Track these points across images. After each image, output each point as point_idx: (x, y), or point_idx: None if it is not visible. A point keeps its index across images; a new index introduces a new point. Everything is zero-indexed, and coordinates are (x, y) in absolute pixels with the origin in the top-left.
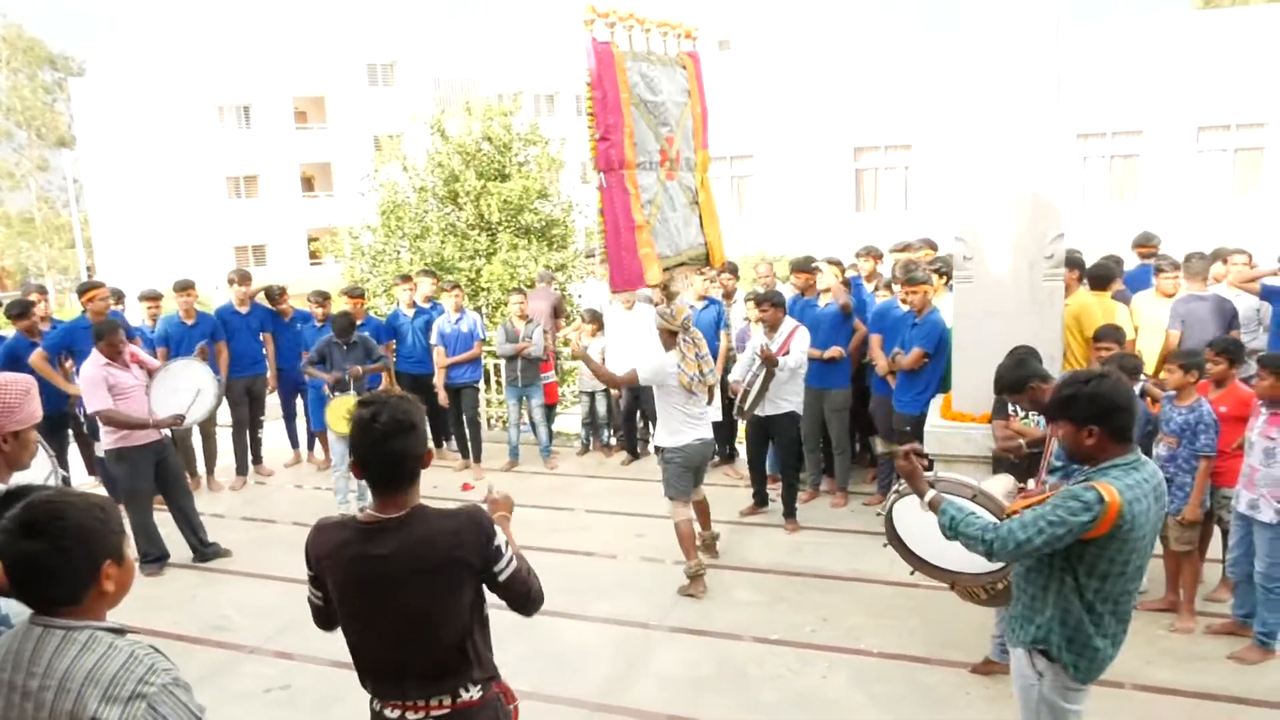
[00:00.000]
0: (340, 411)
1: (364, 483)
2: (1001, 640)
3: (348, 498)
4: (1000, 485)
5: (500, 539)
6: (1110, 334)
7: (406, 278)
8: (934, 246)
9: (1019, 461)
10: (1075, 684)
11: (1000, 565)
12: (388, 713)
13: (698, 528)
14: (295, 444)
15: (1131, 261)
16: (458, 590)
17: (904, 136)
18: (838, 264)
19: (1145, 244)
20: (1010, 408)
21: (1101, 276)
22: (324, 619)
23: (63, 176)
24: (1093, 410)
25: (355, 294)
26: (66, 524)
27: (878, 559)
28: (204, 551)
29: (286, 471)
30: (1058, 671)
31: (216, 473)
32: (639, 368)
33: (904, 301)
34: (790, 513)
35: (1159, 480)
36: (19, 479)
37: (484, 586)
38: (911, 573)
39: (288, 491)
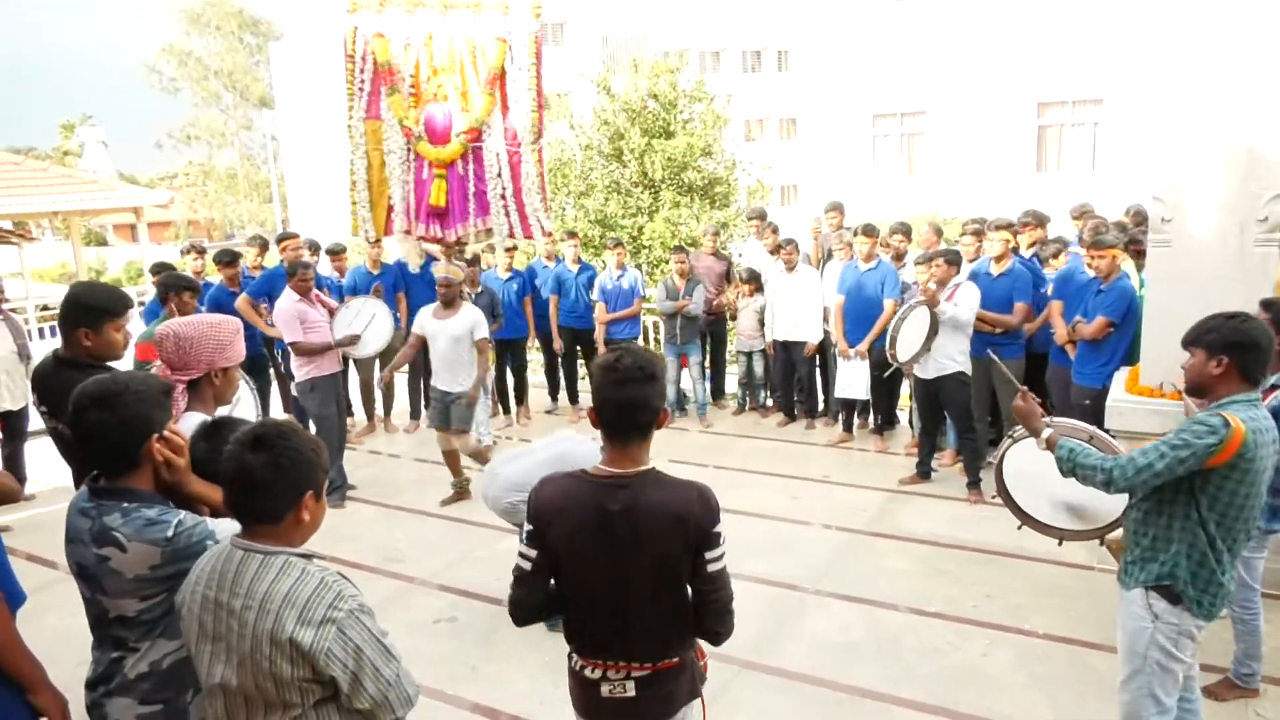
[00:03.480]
0: None
1: (495, 419)
2: None
3: (486, 431)
4: None
5: (722, 528)
6: None
7: (573, 234)
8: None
9: None
10: (1192, 626)
11: (1106, 522)
12: (588, 672)
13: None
14: None
15: None
16: (679, 561)
17: (1094, 91)
18: (1008, 227)
19: None
20: None
21: None
22: (528, 592)
23: (263, 135)
24: (1229, 341)
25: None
26: (288, 445)
27: (1044, 537)
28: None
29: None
30: (1178, 613)
31: (393, 416)
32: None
33: (1090, 266)
34: (974, 482)
35: (1272, 424)
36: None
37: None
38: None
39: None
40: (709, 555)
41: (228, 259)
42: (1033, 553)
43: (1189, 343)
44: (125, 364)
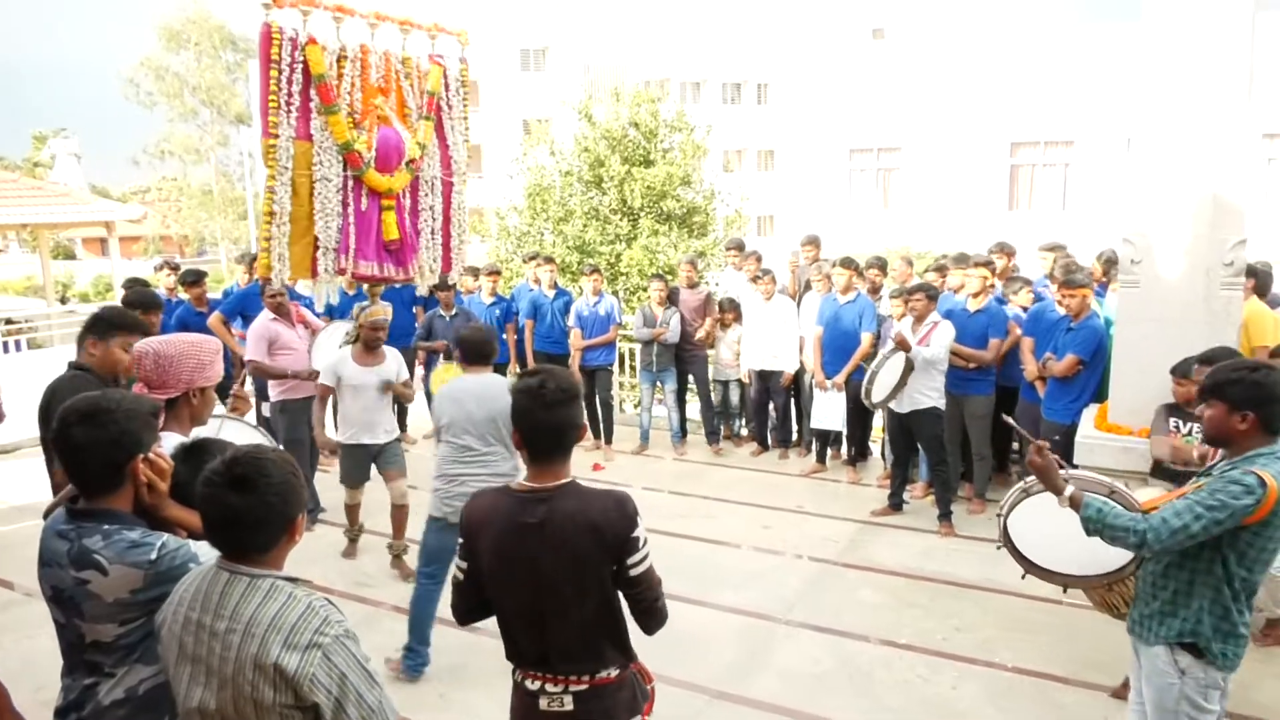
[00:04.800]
0: (444, 377)
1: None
2: None
3: None
4: (1150, 495)
5: (641, 532)
6: None
7: (550, 259)
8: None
9: (1177, 478)
10: (1219, 677)
11: (1116, 568)
12: (528, 684)
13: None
14: None
15: None
16: (597, 567)
17: (1066, 132)
18: (988, 265)
19: None
20: (1172, 423)
21: (1263, 281)
22: (463, 598)
23: (239, 152)
24: (1254, 396)
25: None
26: (272, 480)
27: (1015, 569)
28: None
29: (427, 442)
30: (1204, 667)
31: None
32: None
33: (1061, 304)
34: (945, 515)
35: None
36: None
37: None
38: (1023, 576)
39: (428, 460)
40: (630, 561)
41: (193, 278)
42: (1002, 586)
43: (1209, 393)
44: None
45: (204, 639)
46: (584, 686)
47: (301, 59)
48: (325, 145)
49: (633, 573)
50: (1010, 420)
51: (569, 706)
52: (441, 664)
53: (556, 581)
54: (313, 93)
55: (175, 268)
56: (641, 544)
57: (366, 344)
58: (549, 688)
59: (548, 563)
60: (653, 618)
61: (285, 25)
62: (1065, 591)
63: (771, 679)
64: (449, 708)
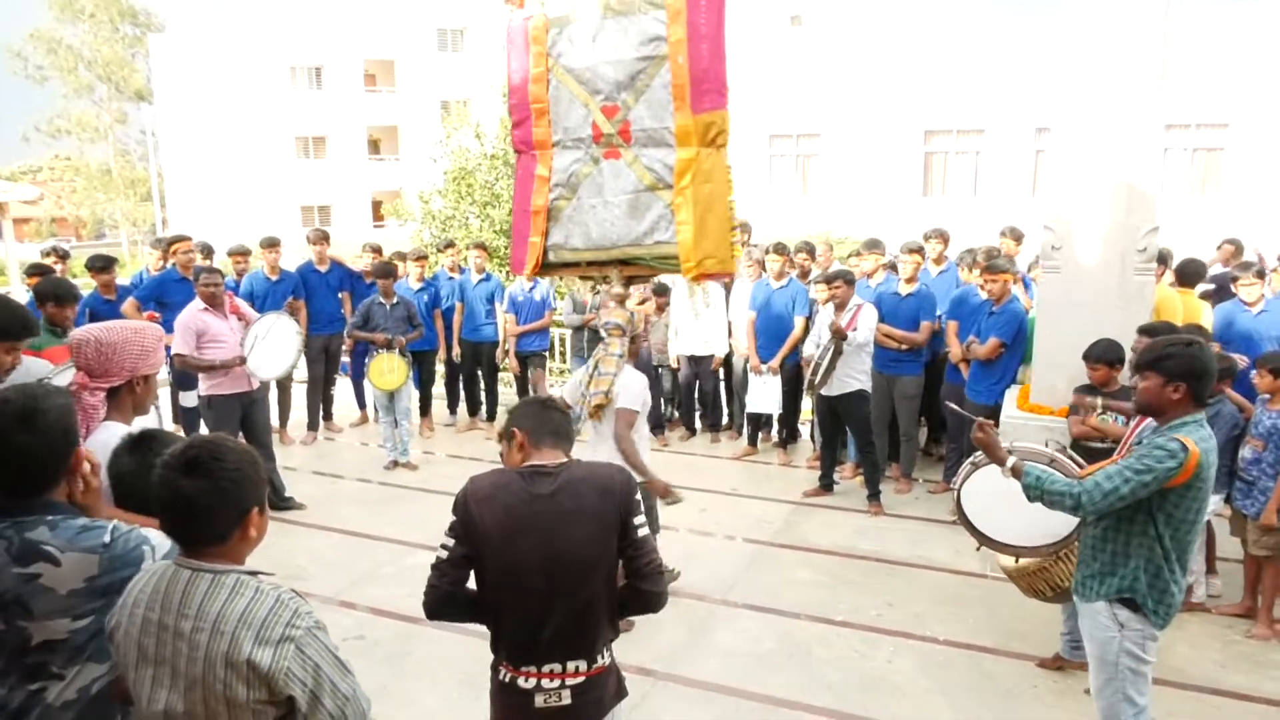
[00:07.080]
0: (383, 368)
1: (406, 436)
2: (1071, 638)
3: (397, 446)
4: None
5: (639, 498)
6: (1193, 333)
7: (481, 245)
8: (1019, 238)
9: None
10: (1154, 631)
11: (1064, 536)
12: (520, 682)
13: None
14: (362, 404)
15: None
16: (609, 528)
17: (977, 121)
18: (918, 250)
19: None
20: (1089, 402)
21: (1191, 273)
22: (444, 577)
23: (140, 130)
24: (1187, 369)
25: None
26: (226, 466)
27: (943, 546)
28: (280, 505)
29: (353, 430)
30: (1140, 621)
31: (289, 427)
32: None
33: (983, 289)
34: (874, 494)
35: (1214, 440)
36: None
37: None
38: (978, 549)
39: (355, 449)
40: (636, 522)
41: (102, 264)
42: (931, 562)
43: (1144, 366)
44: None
45: (167, 640)
46: (581, 679)
47: None
48: None
49: (640, 533)
50: (952, 405)
51: (567, 701)
52: (380, 656)
53: (571, 548)
54: None
55: (64, 255)
56: (641, 507)
57: (631, 353)
58: (545, 683)
59: (563, 529)
60: (659, 584)
61: None
62: (1017, 561)
63: (714, 659)
64: (389, 698)
